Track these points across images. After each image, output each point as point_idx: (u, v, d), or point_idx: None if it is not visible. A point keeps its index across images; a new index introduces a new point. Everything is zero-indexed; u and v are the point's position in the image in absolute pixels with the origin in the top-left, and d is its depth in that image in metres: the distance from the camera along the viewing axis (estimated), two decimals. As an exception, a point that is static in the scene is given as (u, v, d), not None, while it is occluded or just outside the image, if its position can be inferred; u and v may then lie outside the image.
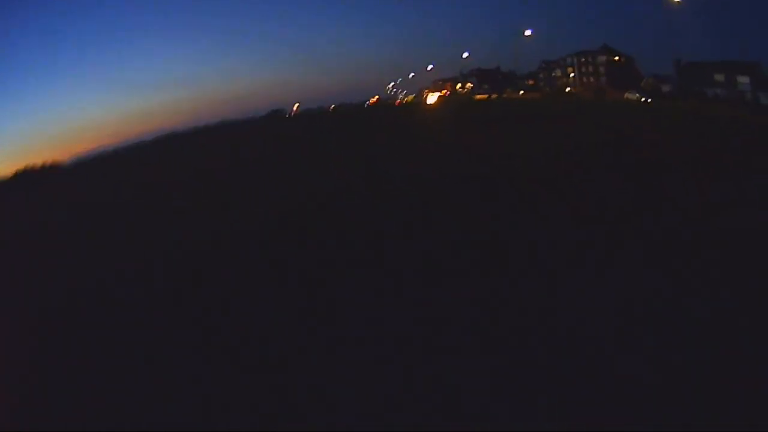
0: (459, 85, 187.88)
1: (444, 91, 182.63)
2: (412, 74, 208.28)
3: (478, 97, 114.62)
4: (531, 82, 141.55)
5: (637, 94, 69.12)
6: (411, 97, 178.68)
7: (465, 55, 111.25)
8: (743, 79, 76.28)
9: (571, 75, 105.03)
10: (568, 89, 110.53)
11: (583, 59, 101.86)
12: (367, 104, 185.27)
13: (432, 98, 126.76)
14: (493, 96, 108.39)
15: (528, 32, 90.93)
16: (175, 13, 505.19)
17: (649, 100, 66.58)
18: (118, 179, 34.75)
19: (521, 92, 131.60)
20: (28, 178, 65.82)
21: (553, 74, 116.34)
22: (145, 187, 27.78)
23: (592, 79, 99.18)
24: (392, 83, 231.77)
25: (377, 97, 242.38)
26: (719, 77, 78.67)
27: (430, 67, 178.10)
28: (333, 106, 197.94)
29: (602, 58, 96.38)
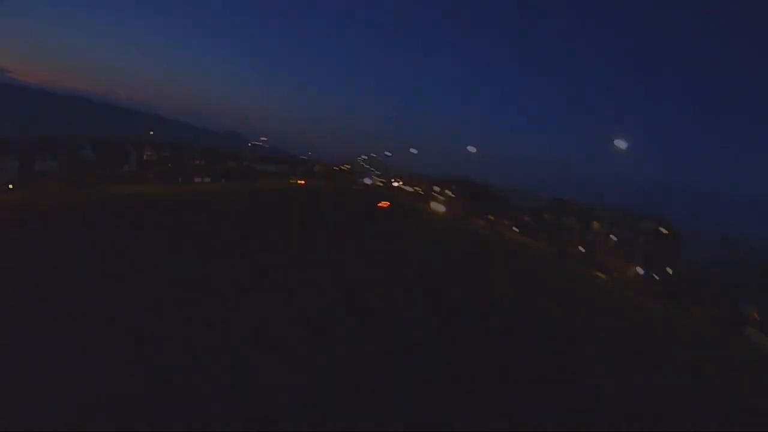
0: (437, 188, 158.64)
1: (415, 188, 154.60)
2: (389, 153, 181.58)
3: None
4: (526, 218, 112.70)
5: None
6: (378, 182, 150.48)
7: (473, 149, 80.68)
8: None
9: (612, 237, 71.43)
10: (582, 249, 79.50)
11: (621, 219, 71.52)
12: (337, 169, 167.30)
13: (439, 206, 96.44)
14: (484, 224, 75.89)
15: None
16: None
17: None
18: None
19: (514, 229, 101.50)
20: None
21: (564, 220, 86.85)
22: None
23: (621, 250, 69.41)
24: (364, 156, 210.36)
25: (348, 165, 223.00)
26: None
27: (414, 150, 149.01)
28: (309, 153, 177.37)
29: (648, 224, 66.12)
